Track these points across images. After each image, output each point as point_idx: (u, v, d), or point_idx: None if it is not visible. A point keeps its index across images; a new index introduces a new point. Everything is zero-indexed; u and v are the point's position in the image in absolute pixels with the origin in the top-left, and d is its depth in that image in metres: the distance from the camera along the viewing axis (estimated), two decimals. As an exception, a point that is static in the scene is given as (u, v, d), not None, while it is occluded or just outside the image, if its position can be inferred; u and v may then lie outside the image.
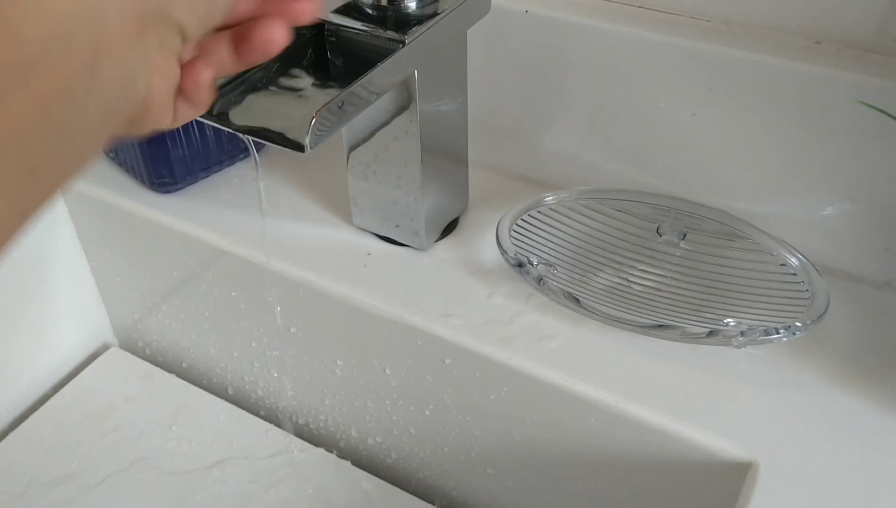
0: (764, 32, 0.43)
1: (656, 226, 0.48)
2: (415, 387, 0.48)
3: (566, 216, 0.48)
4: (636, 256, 0.46)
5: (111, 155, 0.56)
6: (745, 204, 0.46)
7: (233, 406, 0.57)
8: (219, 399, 0.58)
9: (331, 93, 0.36)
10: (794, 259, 0.44)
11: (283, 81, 0.41)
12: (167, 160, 0.52)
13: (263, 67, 0.40)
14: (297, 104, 0.38)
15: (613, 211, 0.49)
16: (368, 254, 0.49)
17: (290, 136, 0.35)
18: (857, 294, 0.45)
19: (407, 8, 0.41)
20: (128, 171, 0.55)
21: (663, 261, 0.46)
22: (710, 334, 0.40)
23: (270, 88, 0.39)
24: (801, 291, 0.43)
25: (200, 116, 0.35)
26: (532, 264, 0.44)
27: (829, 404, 0.40)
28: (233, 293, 0.52)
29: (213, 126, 0.39)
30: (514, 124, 0.51)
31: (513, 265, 0.45)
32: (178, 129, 0.51)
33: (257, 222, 0.51)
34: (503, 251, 0.45)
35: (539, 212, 0.48)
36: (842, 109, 0.41)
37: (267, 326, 0.52)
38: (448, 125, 0.46)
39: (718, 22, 0.44)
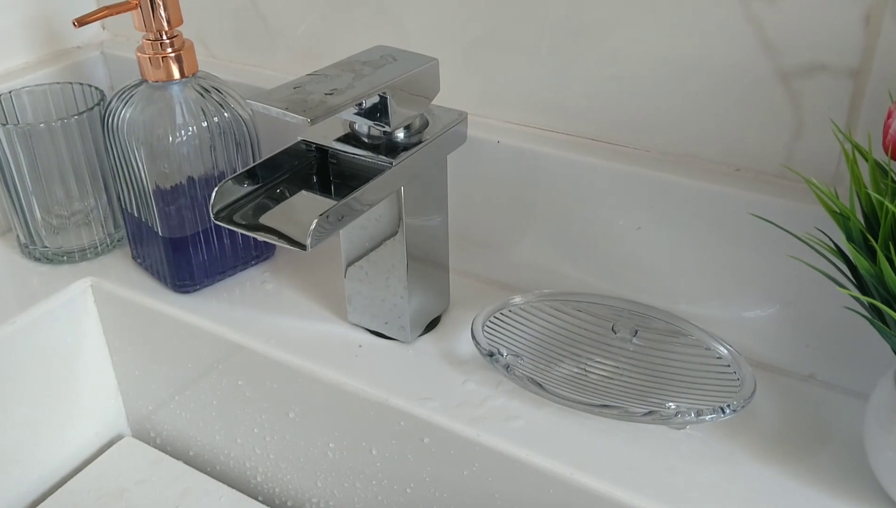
0: (693, 161, 0.51)
1: (611, 324, 0.55)
2: (397, 466, 0.53)
3: (533, 315, 0.55)
4: (593, 349, 0.53)
5: (138, 260, 0.64)
6: (686, 306, 0.54)
7: (234, 491, 0.63)
8: (221, 484, 0.63)
9: (329, 203, 0.44)
10: (726, 351, 0.51)
11: (292, 194, 0.49)
12: (189, 265, 0.60)
13: (277, 182, 0.48)
14: (302, 213, 0.46)
15: (574, 311, 0.56)
16: (360, 346, 0.56)
17: (294, 237, 0.42)
18: (783, 385, 0.51)
19: (396, 137, 0.50)
20: (153, 274, 0.62)
21: (617, 354, 0.53)
22: (649, 413, 0.47)
23: (281, 199, 0.48)
24: (733, 378, 0.49)
25: (222, 222, 0.43)
26: (502, 355, 0.51)
27: (760, 478, 0.45)
28: (240, 383, 0.59)
29: (233, 230, 0.47)
30: (488, 237, 0.59)
31: (485, 355, 0.51)
32: (200, 238, 0.59)
33: (264, 319, 0.58)
34: (477, 343, 0.52)
35: (510, 311, 0.56)
36: (762, 225, 0.49)
37: (269, 413, 0.58)
38: (431, 236, 0.54)
39: (657, 152, 0.53)
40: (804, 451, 0.47)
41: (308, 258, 0.64)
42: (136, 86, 0.58)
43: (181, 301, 0.60)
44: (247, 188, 0.47)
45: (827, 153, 0.47)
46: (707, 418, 0.46)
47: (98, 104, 0.62)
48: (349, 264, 0.55)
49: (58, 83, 0.65)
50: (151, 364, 0.64)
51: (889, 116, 0.38)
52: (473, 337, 0.52)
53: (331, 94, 0.44)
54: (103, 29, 0.76)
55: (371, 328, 0.57)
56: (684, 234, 0.52)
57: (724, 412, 0.46)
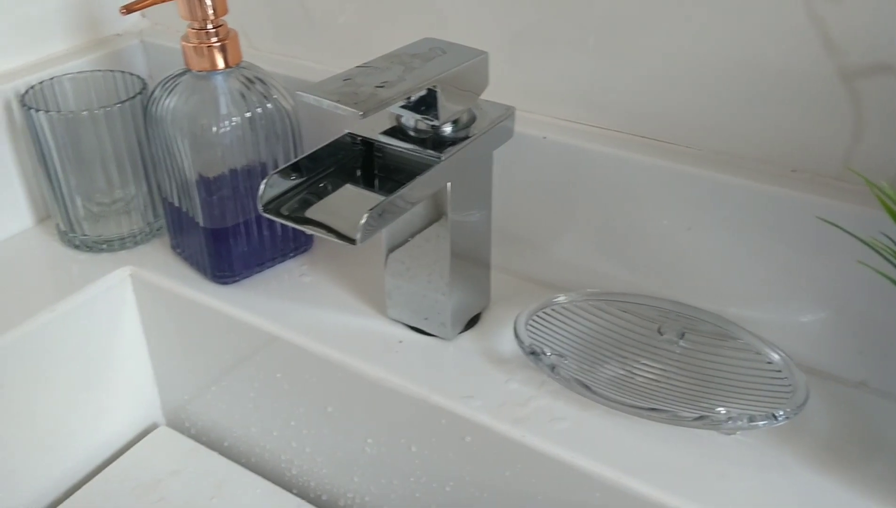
0: (748, 162, 0.50)
1: (657, 326, 0.54)
2: (437, 464, 0.53)
3: (577, 315, 0.54)
4: (639, 351, 0.52)
5: (177, 250, 0.63)
6: (736, 309, 0.52)
7: (269, 483, 0.62)
8: (256, 476, 0.63)
9: (378, 198, 0.43)
10: (777, 356, 0.49)
11: (338, 187, 0.48)
12: (229, 256, 0.59)
13: (323, 175, 0.48)
14: (350, 207, 0.45)
15: (619, 311, 0.55)
16: (400, 342, 0.55)
17: (343, 232, 0.42)
18: (835, 391, 0.50)
19: (444, 132, 0.49)
20: (192, 265, 0.62)
21: (663, 356, 0.52)
22: (699, 418, 0.46)
23: (328, 192, 0.47)
24: (785, 384, 0.48)
25: (270, 214, 0.43)
26: (545, 355, 0.50)
27: (812, 487, 0.44)
28: (278, 375, 0.58)
29: (279, 223, 0.46)
30: (530, 234, 0.58)
31: (528, 355, 0.51)
32: (241, 229, 0.59)
33: (302, 312, 0.58)
34: (520, 342, 0.51)
35: (552, 310, 0.55)
36: (816, 228, 0.47)
37: (306, 406, 0.58)
38: (474, 232, 0.53)
39: (710, 151, 0.51)
40: (857, 460, 0.46)
41: (346, 251, 0.64)
42: (180, 75, 0.57)
43: (220, 292, 0.60)
44: (294, 181, 0.47)
45: (887, 156, 0.46)
46: (759, 424, 0.45)
47: (140, 93, 0.62)
48: (390, 258, 0.54)
49: (99, 71, 0.64)
50: (188, 354, 0.64)
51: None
52: (517, 336, 0.52)
53: (381, 86, 0.44)
54: (143, 17, 0.76)
55: (411, 324, 0.56)
56: (736, 235, 0.51)
57: (776, 419, 0.45)
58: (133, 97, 0.61)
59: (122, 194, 0.64)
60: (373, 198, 0.46)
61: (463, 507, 0.53)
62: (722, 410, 0.47)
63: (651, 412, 0.47)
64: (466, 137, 0.49)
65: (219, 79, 0.56)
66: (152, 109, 0.57)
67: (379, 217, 0.43)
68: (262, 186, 0.44)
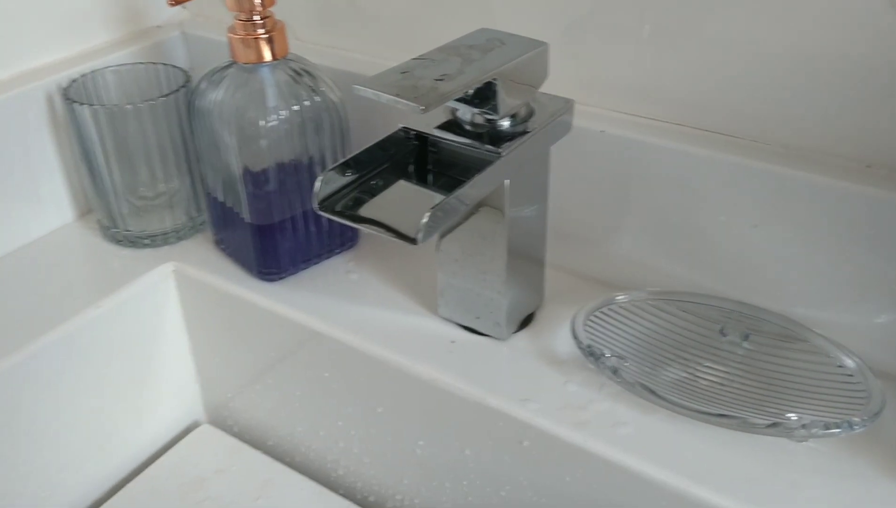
0: (819, 156, 0.48)
1: (720, 327, 0.52)
2: (492, 468, 0.51)
3: (636, 314, 0.53)
4: (701, 353, 0.50)
5: (221, 246, 0.62)
6: (804, 310, 0.50)
7: (314, 483, 0.61)
8: (302, 476, 0.62)
9: (438, 196, 0.42)
10: (850, 361, 0.47)
11: (393, 184, 0.47)
12: (275, 253, 0.58)
13: (377, 171, 0.46)
14: (409, 205, 0.44)
15: (679, 311, 0.53)
16: (453, 342, 0.53)
17: (404, 231, 0.40)
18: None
19: (501, 126, 0.47)
20: (237, 261, 0.61)
21: (727, 359, 0.50)
22: (772, 425, 0.44)
23: (383, 190, 0.45)
24: (858, 390, 0.46)
25: (326, 212, 0.41)
26: (605, 356, 0.49)
27: (888, 496, 0.42)
28: (325, 374, 0.57)
29: (336, 221, 0.45)
30: (586, 230, 0.56)
31: (587, 356, 0.49)
32: (288, 225, 0.57)
33: (351, 309, 0.56)
34: (579, 343, 0.50)
35: (610, 309, 0.53)
36: (889, 226, 0.45)
37: (355, 406, 0.57)
38: (530, 229, 0.52)
39: (777, 145, 0.49)
40: (938, 470, 0.44)
41: (393, 248, 0.62)
42: (226, 67, 0.56)
43: (266, 289, 0.59)
44: (348, 177, 0.45)
45: (972, 150, 0.44)
46: (835, 431, 0.43)
47: (184, 86, 0.60)
48: (444, 256, 0.52)
49: (142, 63, 0.63)
50: (233, 352, 0.63)
51: None
52: (575, 337, 0.50)
53: (441, 79, 0.42)
54: (184, 8, 0.75)
55: (463, 324, 0.54)
56: (804, 233, 0.49)
57: (852, 427, 0.43)
58: (177, 90, 0.60)
59: (165, 187, 0.63)
60: (432, 196, 0.45)
61: (518, 512, 0.51)
62: (793, 416, 0.45)
63: (721, 418, 0.45)
64: (525, 132, 0.47)
65: (266, 71, 0.55)
66: (197, 101, 0.56)
67: (440, 216, 0.41)
68: (317, 184, 0.43)
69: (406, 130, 0.47)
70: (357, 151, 0.46)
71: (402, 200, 0.45)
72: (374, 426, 0.56)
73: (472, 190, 0.43)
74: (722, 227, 0.51)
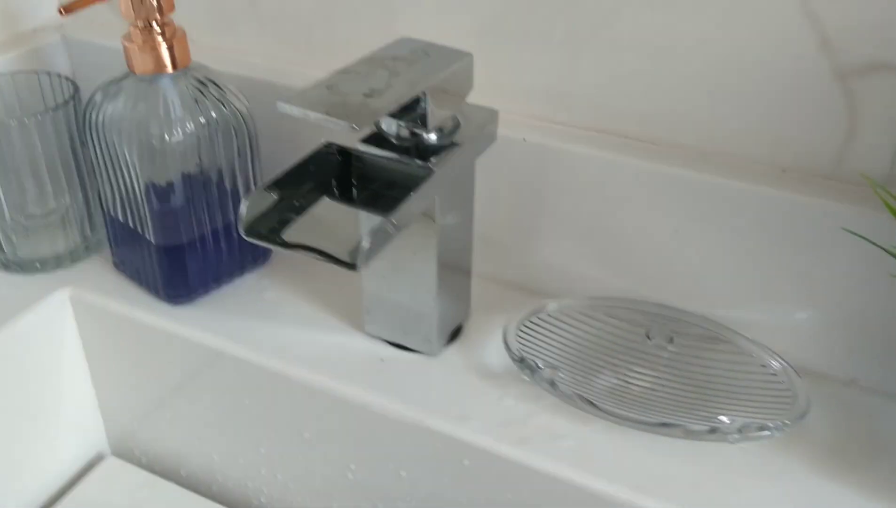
0: (736, 161, 0.49)
1: (645, 330, 0.52)
2: (431, 489, 0.50)
3: (563, 322, 0.52)
4: (630, 358, 0.51)
5: (122, 268, 0.58)
6: (724, 310, 0.52)
7: (235, 513, 0.58)
8: (219, 506, 0.59)
9: (371, 216, 0.40)
10: (774, 362, 0.49)
11: (318, 202, 0.45)
12: (183, 274, 0.54)
13: (303, 190, 0.44)
14: (340, 226, 0.42)
15: (605, 317, 0.53)
16: (382, 360, 0.52)
17: (343, 257, 0.38)
18: (828, 391, 0.50)
19: (428, 140, 0.46)
20: (140, 283, 0.57)
21: (655, 363, 0.50)
22: (711, 430, 0.45)
23: (307, 209, 0.43)
24: (783, 390, 0.47)
25: (254, 238, 0.39)
26: (540, 369, 0.48)
27: (823, 492, 0.44)
28: (245, 401, 0.54)
29: (263, 246, 0.42)
30: (510, 239, 0.56)
31: (523, 370, 0.48)
32: (196, 245, 0.54)
33: (270, 331, 0.54)
34: (513, 356, 0.49)
35: (539, 318, 0.53)
36: (805, 228, 0.47)
37: (279, 431, 0.54)
38: (458, 240, 0.51)
39: (695, 151, 0.50)
40: (862, 462, 0.46)
41: (307, 264, 0.59)
42: (122, 78, 0.52)
43: (175, 313, 0.55)
44: (273, 198, 0.43)
45: (880, 154, 0.46)
46: (766, 433, 0.44)
47: (73, 97, 0.56)
48: (371, 271, 0.50)
49: (23, 72, 0.58)
50: (138, 380, 0.59)
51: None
52: (508, 349, 0.49)
53: (370, 95, 0.40)
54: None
55: (390, 340, 0.53)
56: (723, 236, 0.50)
57: (783, 428, 0.45)
58: (65, 103, 0.55)
59: (55, 205, 0.58)
60: (364, 216, 0.43)
61: (456, 530, 0.50)
62: (726, 419, 0.46)
63: (661, 426, 0.45)
64: (453, 144, 0.46)
65: (167, 82, 0.51)
66: (92, 115, 0.52)
67: (380, 239, 0.39)
68: (242, 208, 0.40)
69: (333, 145, 0.45)
70: (281, 171, 0.43)
71: (332, 220, 0.43)
72: (300, 451, 0.54)
73: (408, 208, 0.41)
74: (645, 232, 0.52)
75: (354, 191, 0.47)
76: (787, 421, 0.45)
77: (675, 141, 0.50)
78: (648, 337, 0.52)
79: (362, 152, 0.45)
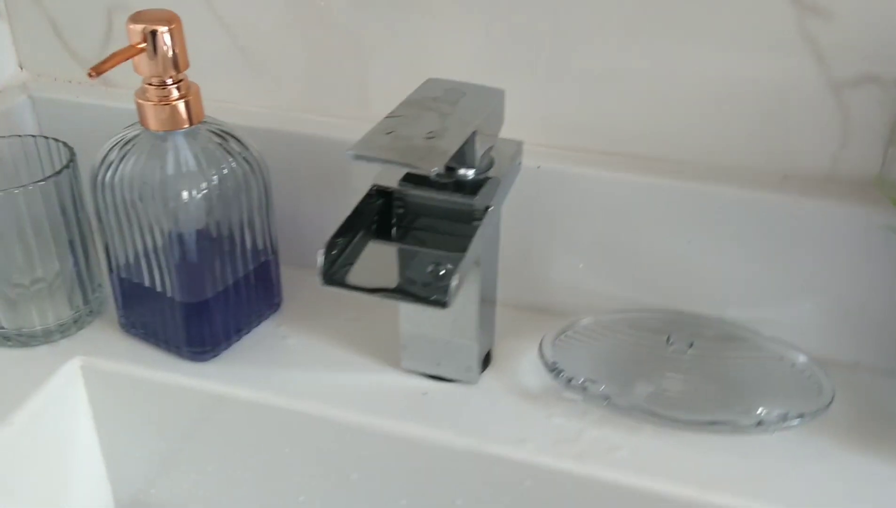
0: (740, 171, 0.53)
1: (665, 336, 0.55)
2: (486, 513, 0.51)
3: (587, 337, 0.55)
4: (656, 365, 0.54)
5: (132, 330, 0.56)
6: (736, 311, 0.55)
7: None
8: (254, 562, 0.58)
9: (456, 256, 0.41)
10: (794, 354, 0.53)
11: (368, 245, 0.45)
12: (210, 329, 0.54)
13: (352, 236, 0.44)
14: (413, 267, 0.43)
15: (626, 328, 0.56)
16: (424, 393, 0.53)
17: (435, 297, 0.39)
18: (838, 375, 0.54)
19: (466, 176, 0.47)
20: (156, 343, 0.55)
21: (679, 366, 0.53)
22: (758, 424, 0.48)
23: (362, 253, 0.44)
24: (807, 379, 0.51)
25: (334, 286, 0.39)
26: (594, 384, 0.50)
27: (859, 465, 0.48)
28: (285, 450, 0.54)
29: (346, 291, 0.42)
30: (526, 264, 0.58)
31: (572, 388, 0.50)
32: (221, 298, 0.53)
33: (303, 376, 0.54)
34: (558, 376, 0.51)
35: (565, 336, 0.55)
36: (808, 228, 0.51)
37: (322, 477, 0.54)
38: (491, 271, 0.52)
39: (702, 167, 0.54)
40: (886, 433, 0.50)
41: (319, 305, 0.60)
42: (136, 135, 0.51)
43: (200, 370, 0.54)
44: (339, 245, 0.43)
45: (870, 158, 0.51)
46: (804, 420, 0.48)
47: (70, 162, 0.54)
48: (407, 307, 0.51)
49: (17, 136, 0.56)
50: (157, 445, 0.57)
51: None
52: (554, 369, 0.51)
53: (432, 137, 0.42)
54: (21, 69, 0.66)
55: (429, 373, 0.54)
56: (733, 242, 0.53)
57: (818, 412, 0.48)
58: (66, 167, 0.53)
59: (56, 269, 0.55)
60: (453, 257, 0.43)
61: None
62: (763, 411, 0.49)
63: (712, 424, 0.48)
64: (488, 179, 0.48)
65: (184, 137, 0.51)
66: (105, 174, 0.51)
67: (463, 277, 0.40)
68: (319, 259, 0.41)
69: (381, 188, 0.46)
70: (343, 220, 0.44)
71: (402, 262, 0.44)
72: (346, 493, 0.54)
73: (476, 245, 0.43)
74: (656, 245, 0.55)
75: (395, 231, 0.48)
76: (815, 410, 0.48)
77: (681, 158, 0.54)
78: (669, 342, 0.55)
79: (415, 194, 0.46)
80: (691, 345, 0.55)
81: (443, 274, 0.41)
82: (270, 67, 0.60)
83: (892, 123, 0.49)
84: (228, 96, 0.61)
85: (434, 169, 0.38)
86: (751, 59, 0.50)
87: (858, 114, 0.50)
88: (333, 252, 0.42)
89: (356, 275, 0.42)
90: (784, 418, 0.49)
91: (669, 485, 0.46)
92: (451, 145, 0.41)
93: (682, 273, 0.55)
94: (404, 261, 0.44)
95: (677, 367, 0.53)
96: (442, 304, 0.39)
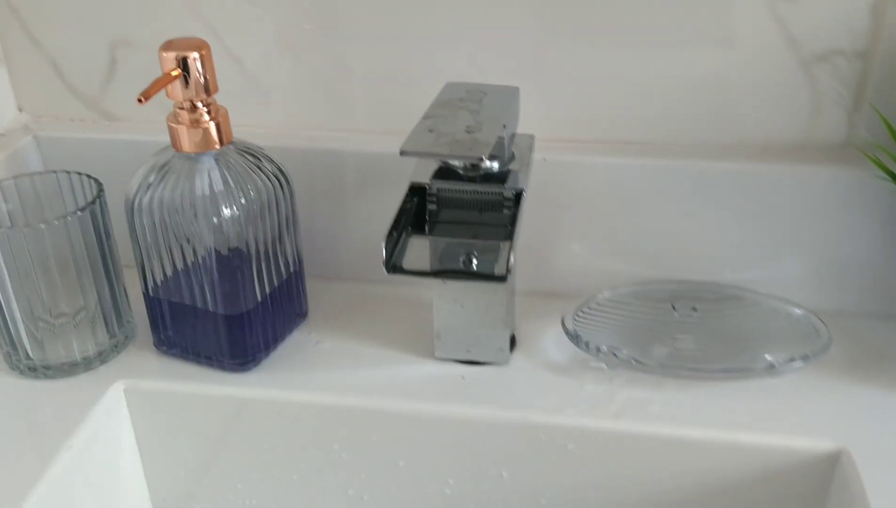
0: (725, 148, 0.59)
1: (670, 304, 0.60)
2: (531, 482, 0.55)
3: (601, 311, 0.60)
4: (666, 329, 0.59)
5: (165, 348, 0.58)
6: (732, 274, 0.61)
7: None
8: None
9: (506, 239, 0.45)
10: (789, 307, 0.58)
11: (411, 237, 0.49)
12: (252, 340, 0.56)
13: (405, 226, 0.48)
14: (464, 252, 0.47)
15: (633, 300, 0.61)
16: (462, 377, 0.56)
17: (499, 272, 0.43)
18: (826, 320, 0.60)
19: (493, 169, 0.52)
20: (195, 359, 0.58)
21: (688, 329, 0.59)
22: (770, 367, 0.53)
23: (423, 244, 0.48)
24: (805, 327, 0.57)
25: (394, 273, 0.43)
26: (622, 352, 0.55)
27: (861, 395, 0.53)
28: (334, 447, 0.56)
29: (408, 276, 0.45)
30: (534, 251, 0.62)
31: (603, 356, 0.55)
32: (259, 309, 0.56)
33: (344, 375, 0.57)
34: (589, 349, 0.55)
35: (581, 313, 0.59)
36: (789, 192, 0.57)
37: (370, 469, 0.57)
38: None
39: (689, 146, 0.59)
40: (877, 365, 0.56)
41: (343, 311, 0.63)
42: (169, 159, 0.53)
43: (244, 380, 0.57)
44: (394, 238, 0.47)
45: (838, 124, 0.57)
46: (808, 362, 0.54)
47: (98, 196, 0.56)
48: (442, 300, 0.55)
49: (40, 173, 0.57)
50: (204, 459, 0.59)
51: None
52: (584, 345, 0.56)
53: (471, 132, 0.46)
54: (20, 111, 0.68)
55: (462, 359, 0.57)
56: (723, 211, 0.59)
57: (820, 353, 0.54)
58: (94, 201, 0.55)
59: (87, 301, 0.57)
60: (502, 236, 0.47)
61: (558, 514, 0.56)
62: (769, 357, 0.55)
63: (730, 372, 0.53)
64: (510, 171, 0.52)
65: (215, 157, 0.53)
66: (142, 198, 0.53)
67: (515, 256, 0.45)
68: (383, 252, 0.44)
69: (420, 185, 0.50)
70: (393, 216, 0.47)
71: (449, 250, 0.48)
72: (394, 481, 0.57)
73: (520, 226, 0.47)
74: (655, 222, 0.60)
75: (427, 226, 0.52)
76: (816, 352, 0.54)
77: (671, 140, 0.59)
78: (674, 309, 0.60)
79: (452, 188, 0.50)
80: (695, 309, 0.60)
81: (494, 255, 0.45)
82: (265, 89, 0.63)
83: (856, 91, 0.56)
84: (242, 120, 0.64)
85: (482, 157, 0.42)
86: (729, 45, 0.56)
87: (826, 86, 0.56)
88: (391, 244, 0.46)
89: (411, 263, 0.46)
90: (790, 360, 0.54)
91: (701, 430, 0.51)
92: (490, 137, 0.45)
93: (680, 245, 0.61)
94: (450, 249, 0.48)
95: (686, 329, 0.59)
96: (501, 279, 0.43)
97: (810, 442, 0.50)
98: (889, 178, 0.52)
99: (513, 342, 0.59)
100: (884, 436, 0.50)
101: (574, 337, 0.56)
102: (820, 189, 0.57)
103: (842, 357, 0.57)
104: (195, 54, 0.51)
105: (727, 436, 0.51)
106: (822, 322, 0.57)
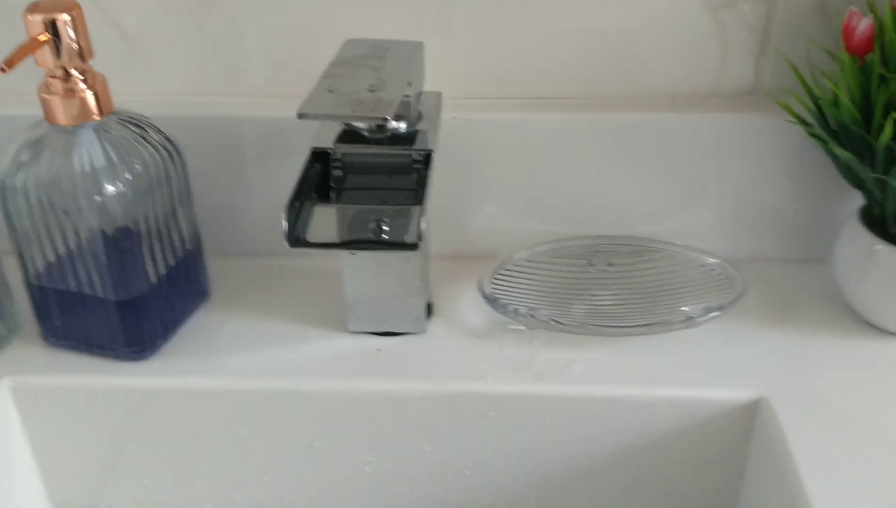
0: (635, 99, 0.58)
1: (586, 261, 0.59)
2: (453, 453, 0.53)
3: (518, 272, 0.58)
4: (584, 286, 0.58)
5: (54, 340, 0.54)
6: (647, 226, 0.60)
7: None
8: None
9: (412, 198, 0.43)
10: (703, 257, 0.58)
11: (316, 205, 0.46)
12: (145, 326, 0.52)
13: (308, 195, 0.45)
14: (372, 219, 0.44)
15: (550, 259, 0.59)
16: (378, 349, 0.54)
17: (410, 240, 0.41)
18: (738, 267, 0.60)
19: (399, 130, 0.49)
20: (88, 349, 0.53)
21: (605, 284, 0.58)
22: (687, 319, 0.53)
23: (311, 211, 0.45)
24: (718, 276, 0.57)
25: (297, 246, 0.40)
26: (539, 312, 0.53)
27: (782, 338, 0.54)
28: (244, 431, 0.53)
29: (314, 249, 0.42)
30: (448, 212, 0.60)
31: (520, 318, 0.53)
32: (154, 292, 0.52)
33: (255, 358, 0.53)
34: (508, 311, 0.54)
35: (498, 275, 0.58)
36: (699, 141, 0.56)
37: (285, 452, 0.54)
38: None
39: (600, 98, 0.58)
40: (793, 307, 0.56)
41: (247, 289, 0.60)
42: (44, 133, 0.49)
43: (143, 369, 0.53)
44: (296, 209, 0.44)
45: (745, 71, 0.57)
46: (724, 311, 0.53)
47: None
48: (351, 270, 0.52)
49: None
50: (102, 453, 0.55)
51: (850, 20, 0.47)
52: (501, 307, 0.54)
53: (374, 90, 0.43)
54: None
55: (376, 331, 0.55)
56: (635, 164, 0.58)
57: (735, 302, 0.54)
58: (-38, 177, 0.50)
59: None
60: (405, 202, 0.44)
61: (482, 486, 0.54)
62: (686, 309, 0.54)
63: (647, 327, 0.53)
64: (418, 132, 0.49)
65: (95, 130, 0.49)
66: (14, 179, 0.48)
67: (425, 222, 0.42)
68: (283, 224, 0.41)
69: (322, 149, 0.47)
70: (294, 185, 0.44)
71: (356, 217, 0.45)
72: (310, 463, 0.54)
73: (430, 188, 0.44)
74: (568, 177, 0.59)
75: (338, 191, 0.49)
76: (730, 302, 0.54)
77: (582, 93, 0.58)
78: (591, 265, 0.59)
79: (357, 152, 0.47)
80: (611, 264, 0.59)
81: (405, 221, 0.42)
82: (148, 53, 0.58)
83: (762, 37, 0.55)
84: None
85: (387, 117, 0.40)
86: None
87: (732, 32, 0.55)
88: (294, 215, 0.43)
89: (316, 235, 0.43)
90: (707, 311, 0.54)
91: (622, 388, 0.51)
92: (395, 96, 0.42)
93: (595, 200, 0.59)
94: (358, 216, 0.45)
95: (603, 285, 0.58)
96: (413, 246, 0.41)
97: (730, 393, 0.50)
98: (798, 122, 0.52)
99: (429, 309, 0.57)
100: (801, 381, 0.51)
101: (491, 300, 0.54)
102: (730, 137, 0.57)
103: (758, 304, 0.57)
104: (65, 16, 0.46)
105: (648, 392, 0.50)
106: (737, 271, 0.57)
